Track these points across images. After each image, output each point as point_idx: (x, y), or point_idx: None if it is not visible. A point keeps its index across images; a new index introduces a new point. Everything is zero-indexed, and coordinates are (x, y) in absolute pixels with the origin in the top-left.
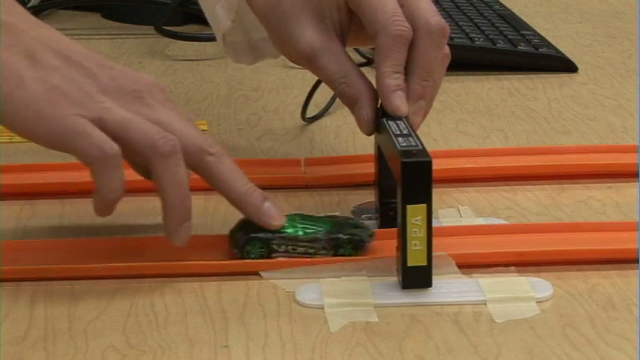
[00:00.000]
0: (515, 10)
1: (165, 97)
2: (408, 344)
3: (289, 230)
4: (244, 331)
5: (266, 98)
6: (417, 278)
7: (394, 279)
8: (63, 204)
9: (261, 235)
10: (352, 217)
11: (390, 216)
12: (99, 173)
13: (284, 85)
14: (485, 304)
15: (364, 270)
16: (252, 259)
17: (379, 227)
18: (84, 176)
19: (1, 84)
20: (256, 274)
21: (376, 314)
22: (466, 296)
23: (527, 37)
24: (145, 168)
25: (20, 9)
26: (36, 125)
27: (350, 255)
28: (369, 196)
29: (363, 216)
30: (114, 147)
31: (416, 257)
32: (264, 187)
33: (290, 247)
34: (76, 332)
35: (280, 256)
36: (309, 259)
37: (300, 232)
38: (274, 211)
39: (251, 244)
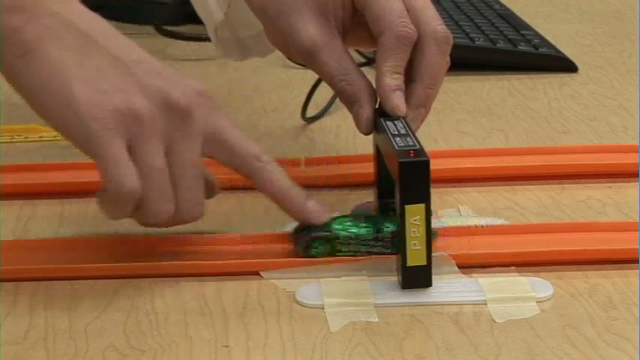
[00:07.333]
0: (515, 10)
1: (213, 107)
2: (408, 344)
3: (353, 230)
4: (244, 331)
5: (266, 98)
6: (417, 278)
7: (394, 279)
8: (63, 204)
9: (325, 234)
10: None
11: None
12: (107, 199)
13: (284, 85)
14: (485, 304)
15: (364, 270)
16: (315, 257)
17: None
18: (84, 176)
19: (48, 80)
20: (256, 274)
21: (376, 314)
22: (466, 296)
23: (527, 37)
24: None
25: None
26: (75, 129)
27: None
28: (369, 196)
29: None
30: (134, 187)
31: (415, 257)
32: None
33: (353, 247)
34: (76, 332)
35: (344, 255)
36: (308, 260)
37: (364, 231)
38: (318, 207)
39: (315, 243)
